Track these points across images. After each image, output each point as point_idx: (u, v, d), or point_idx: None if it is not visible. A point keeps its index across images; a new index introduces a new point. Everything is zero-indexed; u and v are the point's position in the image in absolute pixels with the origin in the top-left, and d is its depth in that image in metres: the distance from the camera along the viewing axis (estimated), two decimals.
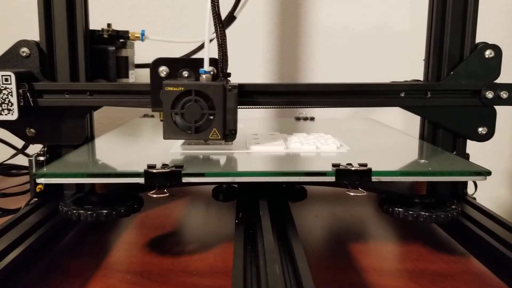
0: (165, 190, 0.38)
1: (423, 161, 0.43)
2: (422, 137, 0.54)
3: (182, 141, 0.49)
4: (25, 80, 0.46)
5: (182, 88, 0.42)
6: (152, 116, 0.74)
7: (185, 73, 0.45)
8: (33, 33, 0.49)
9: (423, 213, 0.40)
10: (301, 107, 0.52)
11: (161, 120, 0.44)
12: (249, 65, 0.81)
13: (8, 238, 0.38)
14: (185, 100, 0.42)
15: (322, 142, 0.48)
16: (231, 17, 0.53)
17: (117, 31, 0.53)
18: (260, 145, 0.47)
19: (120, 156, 0.47)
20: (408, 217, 0.41)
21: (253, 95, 0.48)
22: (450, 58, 0.50)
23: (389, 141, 0.57)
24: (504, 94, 0.49)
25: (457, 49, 0.50)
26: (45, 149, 0.50)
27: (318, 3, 0.80)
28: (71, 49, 0.49)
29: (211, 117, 0.43)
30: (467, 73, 0.49)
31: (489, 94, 0.49)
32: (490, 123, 0.50)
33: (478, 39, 0.50)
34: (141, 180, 0.37)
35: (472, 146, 0.52)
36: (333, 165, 0.39)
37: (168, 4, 0.79)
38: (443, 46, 0.50)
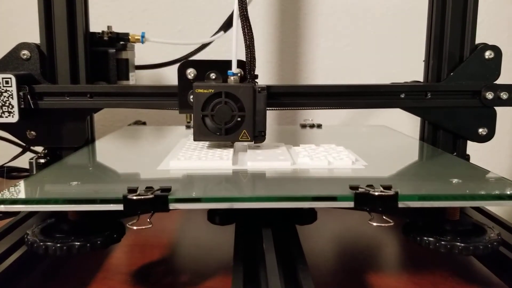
0: (148, 221, 0.32)
1: (455, 180, 0.36)
2: (422, 138, 0.54)
3: (171, 155, 0.44)
4: (25, 83, 0.46)
5: (212, 90, 0.42)
6: (144, 123, 0.73)
7: (213, 75, 0.45)
8: (34, 36, 0.49)
9: (458, 244, 0.34)
10: (327, 109, 0.50)
11: (188, 123, 0.44)
12: None
13: (9, 240, 0.38)
14: (215, 102, 0.42)
15: (334, 156, 0.42)
16: (230, 21, 0.53)
17: (118, 33, 0.53)
18: (264, 160, 0.41)
19: (97, 174, 0.41)
20: (440, 248, 0.34)
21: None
22: (450, 59, 0.50)
23: (409, 153, 0.51)
24: (504, 95, 0.49)
25: (457, 50, 0.50)
26: (46, 151, 0.50)
27: (317, 5, 0.80)
28: (72, 51, 0.49)
29: (240, 119, 0.43)
30: (467, 74, 0.49)
31: (489, 95, 0.49)
32: (490, 124, 0.50)
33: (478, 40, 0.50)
34: (118, 207, 0.31)
35: (472, 147, 0.52)
36: (351, 188, 0.32)
37: (168, 6, 0.79)
38: (443, 47, 0.50)
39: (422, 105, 0.50)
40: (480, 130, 0.50)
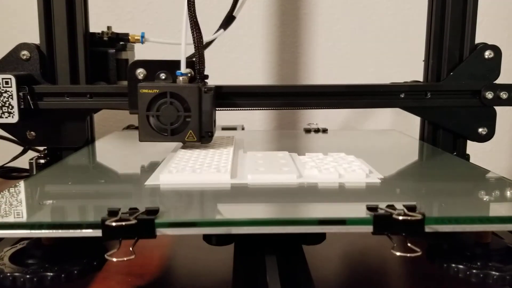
0: (131, 250, 0.27)
1: (486, 198, 0.32)
2: (422, 138, 0.54)
3: (162, 166, 0.40)
4: (25, 83, 0.46)
5: (157, 90, 0.42)
6: (137, 128, 0.69)
7: (163, 75, 0.45)
8: (33, 36, 0.49)
9: (492, 272, 0.29)
10: (326, 108, 0.49)
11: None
12: (248, 67, 0.81)
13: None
14: (161, 102, 0.42)
15: (345, 168, 0.38)
16: (230, 17, 0.53)
17: (117, 34, 0.53)
18: (266, 173, 0.37)
19: (76, 190, 0.36)
20: (471, 277, 0.29)
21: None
22: (449, 58, 0.50)
23: (427, 162, 0.47)
24: (504, 95, 0.49)
25: (457, 50, 0.50)
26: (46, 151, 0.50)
27: (317, 5, 0.80)
28: (71, 51, 0.49)
29: (188, 119, 0.43)
30: (467, 73, 0.49)
31: (489, 95, 0.49)
32: (490, 123, 0.50)
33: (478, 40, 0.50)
34: (97, 234, 0.27)
35: (472, 147, 0.52)
36: (369, 209, 0.28)
37: (168, 6, 0.79)
38: (442, 46, 0.51)
39: (422, 105, 0.50)
40: (480, 129, 0.50)
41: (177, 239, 0.47)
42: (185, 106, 0.43)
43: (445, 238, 0.33)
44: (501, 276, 0.29)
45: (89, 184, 0.38)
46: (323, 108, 0.50)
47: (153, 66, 0.45)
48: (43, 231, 0.28)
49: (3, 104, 0.45)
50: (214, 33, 0.55)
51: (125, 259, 0.27)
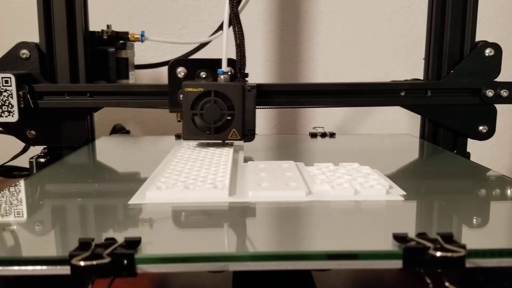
0: None
1: None
2: (422, 136, 0.54)
3: (149, 182, 0.35)
4: (25, 82, 0.46)
5: (202, 89, 0.42)
6: (128, 132, 0.66)
7: (203, 74, 0.45)
8: (33, 35, 0.49)
9: None
10: (317, 107, 0.49)
11: (179, 121, 0.44)
12: (249, 65, 0.81)
13: None
14: (205, 101, 0.43)
15: (361, 182, 0.33)
16: (229, 18, 0.53)
17: (117, 32, 0.53)
18: (269, 189, 0.32)
19: (47, 211, 0.31)
20: None
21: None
22: (450, 56, 0.50)
23: (451, 172, 0.41)
24: (504, 93, 0.48)
25: (457, 48, 0.50)
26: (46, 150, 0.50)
27: (317, 3, 0.80)
28: (71, 50, 0.49)
29: (230, 118, 0.43)
30: (467, 71, 0.49)
31: (489, 93, 0.49)
32: (491, 121, 0.50)
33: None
34: (65, 271, 0.22)
35: (472, 145, 0.52)
36: (396, 239, 0.23)
37: (168, 4, 0.79)
38: (443, 44, 0.50)
39: (423, 103, 0.50)
40: (481, 127, 0.50)
41: None
42: (229, 105, 0.43)
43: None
44: None
45: (65, 200, 0.33)
46: (323, 107, 0.50)
47: (193, 65, 0.45)
48: (1, 268, 0.23)
49: (3, 103, 0.45)
50: (213, 34, 0.55)
51: None
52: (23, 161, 0.64)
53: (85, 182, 0.38)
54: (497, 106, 0.50)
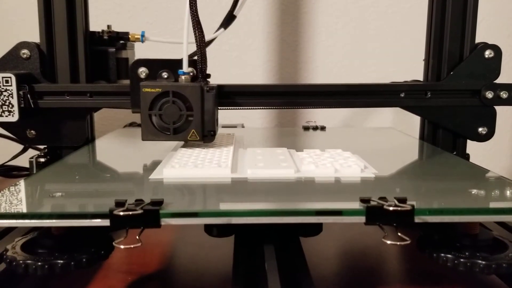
0: (138, 238, 0.29)
1: (474, 191, 0.34)
2: (422, 137, 0.54)
3: (165, 161, 0.41)
4: (25, 82, 0.46)
5: (160, 89, 0.42)
6: (139, 125, 0.70)
7: (165, 74, 0.45)
8: (33, 35, 0.49)
9: (479, 261, 0.31)
10: (326, 108, 0.49)
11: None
12: (249, 65, 0.81)
13: (10, 238, 0.38)
14: (163, 101, 0.42)
15: (341, 163, 0.39)
16: (230, 16, 0.53)
17: (117, 33, 0.53)
18: (265, 168, 0.38)
19: (84, 183, 0.38)
20: (459, 266, 0.31)
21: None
22: (450, 58, 0.50)
23: (420, 158, 0.49)
24: (504, 94, 0.49)
25: (457, 49, 0.50)
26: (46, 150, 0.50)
27: (317, 3, 0.80)
28: (71, 50, 0.49)
29: (190, 118, 0.43)
30: (467, 73, 0.49)
31: (489, 94, 0.49)
32: (490, 123, 0.50)
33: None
34: (105, 223, 0.29)
35: (472, 147, 0.52)
36: (362, 201, 0.30)
37: (168, 4, 0.79)
38: (443, 46, 0.50)
39: (422, 104, 0.50)
40: (480, 129, 0.50)
41: (177, 236, 0.47)
42: (188, 105, 0.43)
43: (437, 230, 0.34)
44: (487, 265, 0.31)
45: (94, 178, 0.40)
46: (323, 108, 0.50)
47: (155, 65, 0.45)
48: (54, 220, 0.29)
49: (3, 103, 0.45)
50: (215, 32, 0.55)
51: (131, 246, 0.28)
52: (23, 161, 0.64)
53: (109, 165, 0.45)
54: (497, 107, 0.50)
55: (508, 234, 0.40)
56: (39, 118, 0.48)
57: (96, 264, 0.33)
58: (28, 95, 0.46)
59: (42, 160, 0.49)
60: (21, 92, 0.45)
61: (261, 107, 0.50)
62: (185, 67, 0.44)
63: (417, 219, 0.29)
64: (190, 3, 0.42)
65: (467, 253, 0.32)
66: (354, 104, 0.50)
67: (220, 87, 0.46)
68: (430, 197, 0.34)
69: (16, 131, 0.49)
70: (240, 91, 0.48)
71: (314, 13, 0.81)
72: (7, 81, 0.45)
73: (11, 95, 0.45)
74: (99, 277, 0.39)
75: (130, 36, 0.54)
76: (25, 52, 0.48)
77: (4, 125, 0.47)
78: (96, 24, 0.53)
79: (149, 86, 0.42)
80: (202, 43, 0.44)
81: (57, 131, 0.49)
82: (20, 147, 0.65)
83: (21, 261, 0.31)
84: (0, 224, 0.31)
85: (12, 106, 0.45)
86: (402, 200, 0.29)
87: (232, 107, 0.49)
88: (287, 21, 0.81)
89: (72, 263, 0.31)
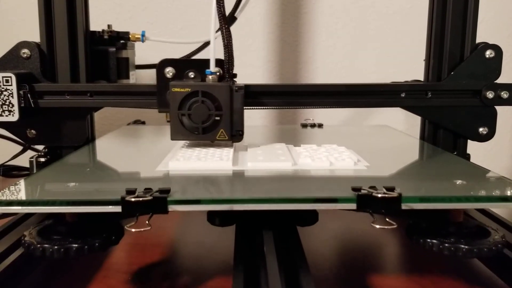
0: (147, 223, 0.31)
1: (459, 182, 0.36)
2: (422, 137, 0.54)
3: (171, 155, 0.43)
4: (25, 81, 0.46)
5: (189, 89, 0.42)
6: (144, 122, 0.72)
7: (191, 74, 0.45)
8: (34, 34, 0.49)
9: (462, 246, 0.33)
10: (305, 108, 0.50)
11: (168, 121, 0.44)
12: (249, 66, 0.81)
13: (9, 239, 0.38)
14: (192, 101, 0.43)
15: (336, 157, 0.41)
16: (231, 18, 0.53)
17: (118, 32, 0.53)
18: (264, 161, 0.41)
19: (95, 175, 0.41)
20: (443, 251, 0.33)
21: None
22: (450, 58, 0.50)
23: (411, 153, 0.51)
24: (504, 94, 0.49)
25: (458, 49, 0.50)
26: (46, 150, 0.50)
27: (318, 4, 0.80)
28: (72, 50, 0.49)
29: (218, 118, 0.43)
30: (468, 73, 0.49)
31: (490, 94, 0.49)
32: (491, 123, 0.50)
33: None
34: (117, 209, 0.31)
35: (472, 147, 0.52)
36: (353, 189, 0.32)
37: (169, 4, 0.79)
38: (443, 46, 0.50)
39: (423, 104, 0.50)
40: (481, 129, 0.50)
41: (177, 236, 0.48)
42: (216, 105, 0.43)
43: (424, 218, 0.37)
44: (469, 249, 0.33)
45: (105, 171, 0.42)
46: (323, 107, 0.50)
47: (181, 65, 0.45)
48: (71, 207, 0.32)
49: (3, 102, 0.45)
50: (215, 33, 0.55)
51: (142, 229, 0.31)
52: (23, 161, 0.64)
53: (119, 157, 0.48)
54: (497, 107, 0.50)
55: (492, 223, 0.42)
56: (39, 118, 0.48)
57: (107, 249, 0.36)
58: (28, 95, 0.46)
59: (42, 160, 0.49)
60: (21, 92, 0.45)
61: (285, 107, 0.49)
62: (212, 67, 0.44)
63: (404, 206, 0.32)
64: (218, 2, 0.42)
65: (451, 239, 0.34)
66: (354, 104, 0.50)
67: (246, 87, 0.45)
68: (417, 186, 0.36)
69: (16, 131, 0.49)
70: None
71: (314, 14, 0.81)
72: (7, 81, 0.45)
73: (11, 95, 0.45)
74: (99, 277, 0.39)
75: (130, 36, 0.54)
76: (25, 52, 0.48)
77: (4, 124, 0.47)
78: (97, 24, 0.53)
79: (178, 86, 0.43)
80: (229, 42, 0.43)
81: (57, 131, 0.49)
82: (20, 147, 0.65)
83: (38, 245, 0.33)
84: (20, 211, 0.35)
85: (12, 105, 0.45)
86: (390, 189, 0.32)
87: (258, 107, 0.49)
88: (287, 22, 0.81)
89: (86, 247, 0.33)
